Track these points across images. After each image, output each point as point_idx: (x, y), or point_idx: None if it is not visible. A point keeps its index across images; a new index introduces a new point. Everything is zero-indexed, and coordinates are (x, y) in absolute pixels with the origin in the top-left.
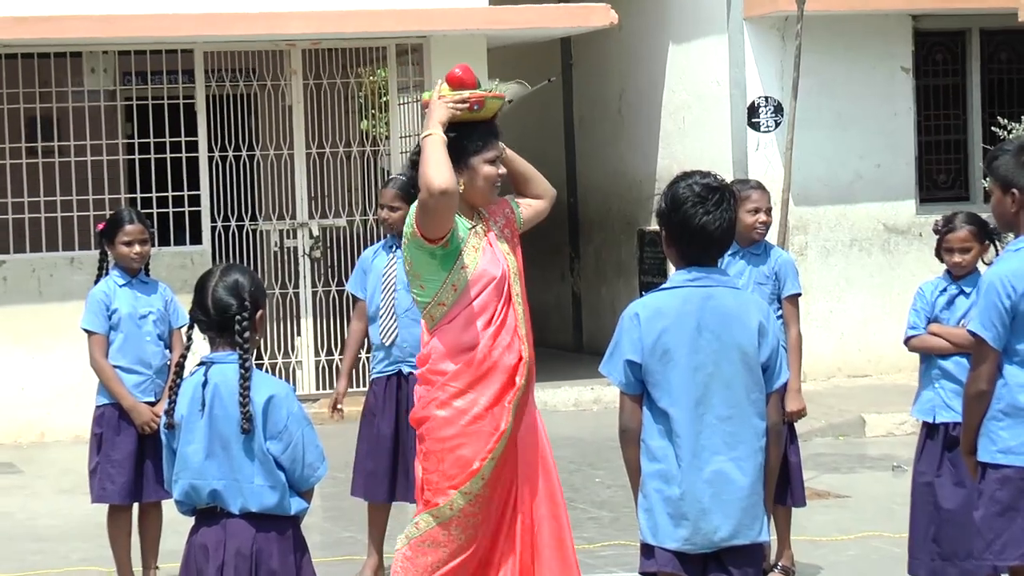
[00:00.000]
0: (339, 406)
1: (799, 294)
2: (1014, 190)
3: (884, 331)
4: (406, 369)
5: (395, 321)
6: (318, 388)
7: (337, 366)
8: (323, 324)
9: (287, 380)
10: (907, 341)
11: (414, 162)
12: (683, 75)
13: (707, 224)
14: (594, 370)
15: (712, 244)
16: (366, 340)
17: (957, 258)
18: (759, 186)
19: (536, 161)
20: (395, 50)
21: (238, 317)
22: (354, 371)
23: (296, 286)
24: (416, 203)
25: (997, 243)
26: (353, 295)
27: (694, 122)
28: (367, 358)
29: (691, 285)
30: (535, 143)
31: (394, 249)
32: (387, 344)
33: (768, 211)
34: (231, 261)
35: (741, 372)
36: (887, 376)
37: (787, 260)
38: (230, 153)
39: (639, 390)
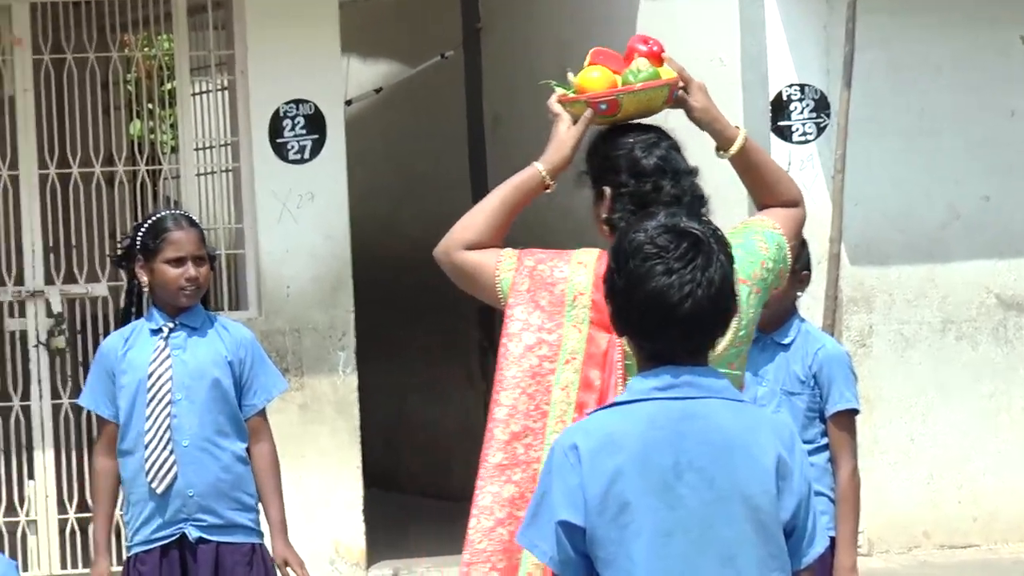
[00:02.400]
0: None
1: (855, 410)
2: None
3: (1000, 471)
4: (195, 532)
5: (171, 452)
6: (66, 566)
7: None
8: (72, 459)
9: (11, 554)
10: None
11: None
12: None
13: (667, 291)
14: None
15: (678, 325)
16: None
17: None
18: None
19: (425, 184)
20: (186, 6)
21: None
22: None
23: (25, 397)
24: (790, 222)
25: None
26: (96, 414)
27: (684, 124)
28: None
29: (661, 397)
30: (422, 154)
31: (167, 333)
32: (159, 491)
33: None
34: None
35: (750, 538)
36: (1007, 545)
37: (834, 355)
38: None
39: (583, 571)
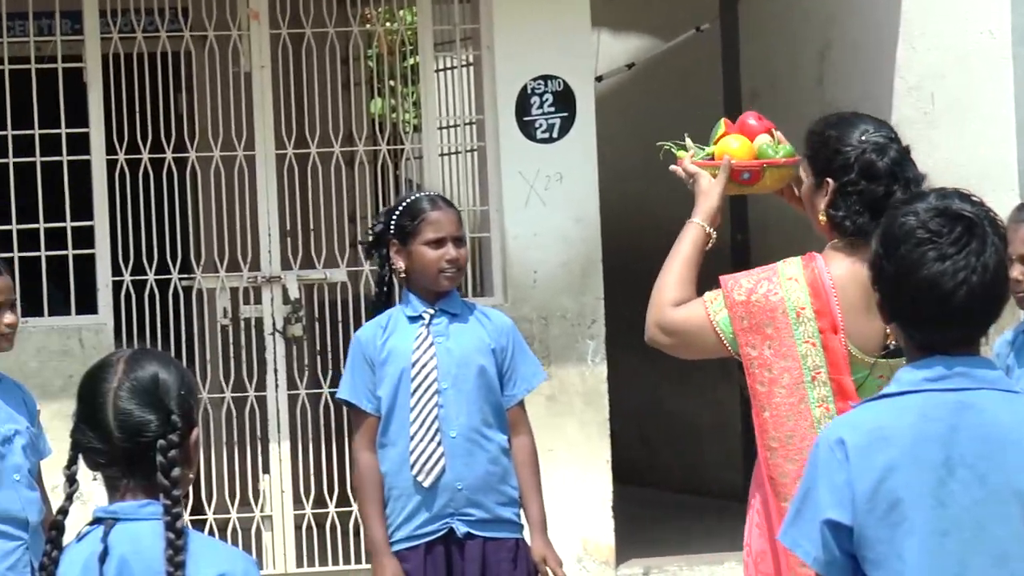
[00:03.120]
0: None
1: None
2: None
3: None
4: (462, 528)
5: (439, 444)
6: (302, 564)
7: (353, 524)
8: (309, 453)
9: (248, 550)
10: None
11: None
12: (930, 20)
13: (940, 278)
14: None
15: (952, 313)
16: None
17: None
18: None
19: (671, 173)
20: None
21: (161, 442)
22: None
23: (260, 387)
24: None
25: None
26: (352, 405)
27: (950, 101)
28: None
29: (931, 389)
30: (675, 133)
31: (428, 320)
32: (427, 485)
33: None
34: (143, 344)
35: (1023, 538)
36: None
37: None
38: (144, 156)
39: (848, 572)
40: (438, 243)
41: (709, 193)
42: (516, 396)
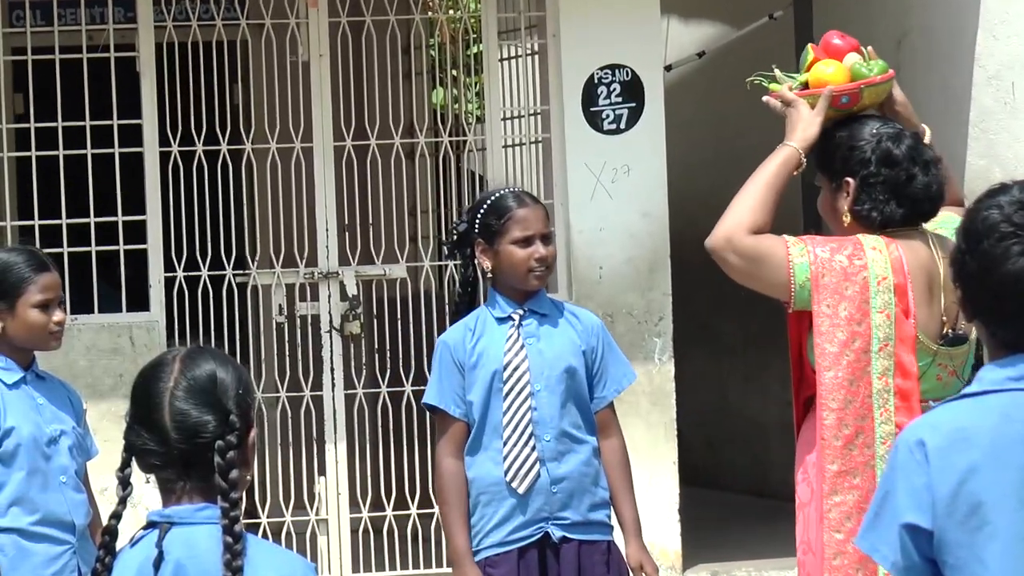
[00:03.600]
0: None
1: None
2: None
3: None
4: (557, 532)
5: (533, 448)
6: (358, 569)
7: (411, 528)
8: (366, 454)
9: (302, 554)
10: None
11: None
12: (1011, 8)
13: None
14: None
15: None
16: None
17: None
18: None
19: (750, 157)
20: None
21: (219, 443)
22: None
23: (316, 387)
24: None
25: None
26: (438, 410)
27: None
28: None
29: (1016, 388)
30: (747, 124)
31: (518, 320)
32: (521, 490)
33: None
34: (198, 341)
35: None
36: None
37: None
38: (199, 148)
39: None
40: (526, 241)
41: (810, 121)
42: (606, 398)
